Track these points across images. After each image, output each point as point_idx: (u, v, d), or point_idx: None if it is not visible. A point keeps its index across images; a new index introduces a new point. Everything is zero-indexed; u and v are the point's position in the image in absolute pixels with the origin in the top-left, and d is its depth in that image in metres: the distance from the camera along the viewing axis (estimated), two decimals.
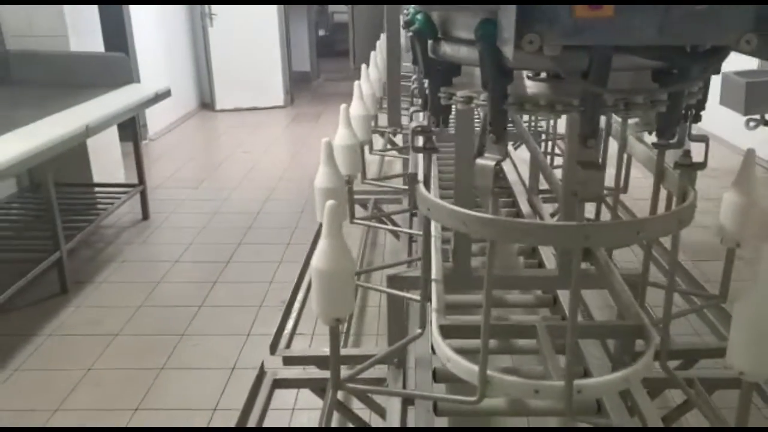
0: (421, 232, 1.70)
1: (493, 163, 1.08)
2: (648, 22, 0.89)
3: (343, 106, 1.96)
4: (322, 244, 1.25)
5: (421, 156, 1.54)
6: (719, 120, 6.21)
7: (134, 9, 6.99)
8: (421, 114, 1.53)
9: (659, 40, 0.90)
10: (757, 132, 5.61)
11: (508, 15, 0.91)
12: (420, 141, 1.47)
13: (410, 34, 1.21)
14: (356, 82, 2.30)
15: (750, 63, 5.46)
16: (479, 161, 1.10)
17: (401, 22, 1.19)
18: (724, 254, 1.52)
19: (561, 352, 1.83)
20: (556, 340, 1.80)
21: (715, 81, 5.47)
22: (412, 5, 1.23)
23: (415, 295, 1.75)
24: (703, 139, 1.29)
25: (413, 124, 1.52)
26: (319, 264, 1.25)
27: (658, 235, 1.61)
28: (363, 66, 2.70)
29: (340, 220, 1.26)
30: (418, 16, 1.20)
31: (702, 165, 1.35)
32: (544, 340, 1.54)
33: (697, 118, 1.24)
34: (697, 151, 1.36)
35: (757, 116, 5.58)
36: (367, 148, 2.45)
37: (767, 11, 0.88)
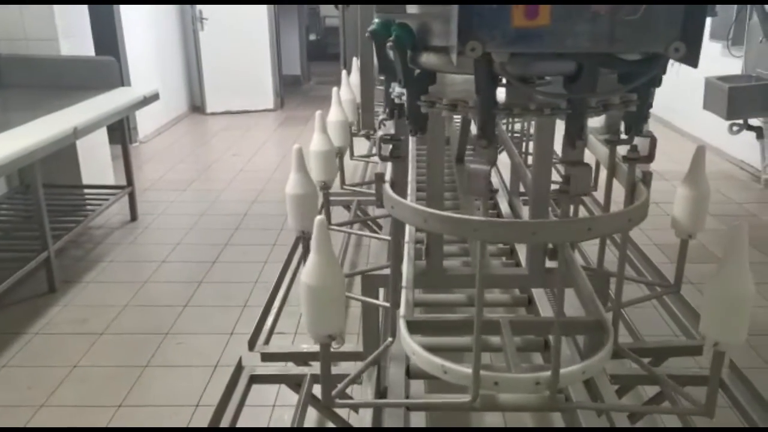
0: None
1: (488, 167, 1.10)
2: (584, 30, 0.95)
3: (318, 112, 2.01)
4: (311, 259, 1.24)
5: None
6: (704, 125, 6.31)
7: (125, 13, 7.04)
8: (389, 122, 1.57)
9: (596, 48, 0.97)
10: (740, 136, 5.70)
11: (452, 22, 0.97)
12: (388, 149, 1.51)
13: (389, 44, 1.18)
14: (334, 89, 2.35)
15: (733, 68, 5.56)
16: (473, 166, 1.11)
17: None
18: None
19: (528, 349, 1.90)
20: (524, 336, 1.87)
21: (700, 86, 5.49)
22: (376, 17, 1.26)
23: (386, 302, 1.79)
24: (649, 134, 1.37)
25: (380, 133, 1.56)
26: (309, 280, 1.24)
27: (609, 233, 1.67)
28: (343, 72, 2.76)
29: (328, 235, 1.25)
30: (394, 26, 1.21)
31: (649, 158, 1.43)
32: (506, 335, 1.59)
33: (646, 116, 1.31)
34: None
35: (740, 121, 5.67)
36: (348, 154, 2.50)
37: (692, 22, 0.95)
